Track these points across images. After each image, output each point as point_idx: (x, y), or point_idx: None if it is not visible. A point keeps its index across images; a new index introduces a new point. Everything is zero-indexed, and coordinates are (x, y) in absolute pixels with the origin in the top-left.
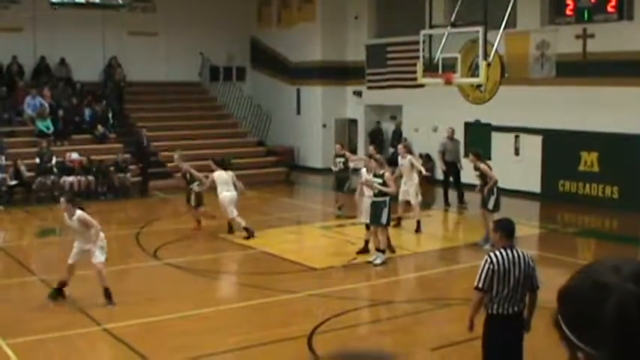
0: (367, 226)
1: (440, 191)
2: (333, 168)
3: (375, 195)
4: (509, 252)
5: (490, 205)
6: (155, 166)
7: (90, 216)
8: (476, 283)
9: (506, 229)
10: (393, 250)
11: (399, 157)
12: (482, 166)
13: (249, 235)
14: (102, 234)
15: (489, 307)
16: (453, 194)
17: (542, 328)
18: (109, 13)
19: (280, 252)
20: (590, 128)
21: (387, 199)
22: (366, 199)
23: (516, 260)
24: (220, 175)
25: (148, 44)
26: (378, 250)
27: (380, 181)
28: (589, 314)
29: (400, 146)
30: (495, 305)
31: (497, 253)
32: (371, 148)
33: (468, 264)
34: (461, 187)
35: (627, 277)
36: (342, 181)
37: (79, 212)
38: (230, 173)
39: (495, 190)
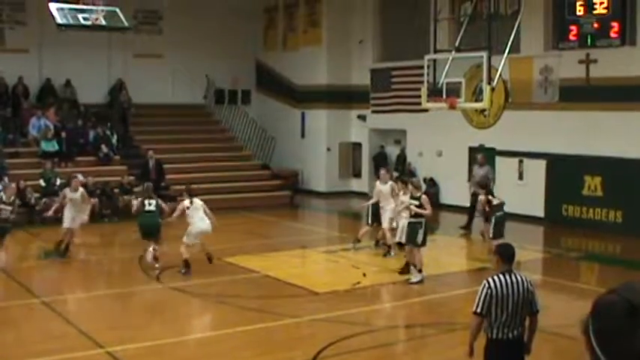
0: (400, 245)
1: (446, 216)
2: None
3: (411, 216)
4: (507, 277)
5: (490, 233)
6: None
7: (183, 208)
8: (474, 308)
9: (505, 254)
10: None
11: (378, 182)
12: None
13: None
14: (191, 227)
15: (489, 332)
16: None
17: (546, 353)
18: (114, 36)
19: (283, 276)
20: (593, 153)
21: (423, 220)
22: (403, 220)
23: (515, 285)
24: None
25: (153, 66)
26: (419, 270)
27: (417, 203)
28: (618, 336)
29: (383, 171)
30: (495, 330)
31: (496, 278)
32: (384, 174)
33: (473, 289)
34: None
35: None
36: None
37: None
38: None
39: (493, 218)
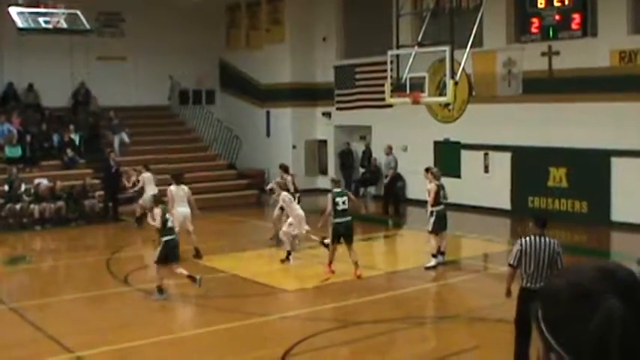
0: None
1: (413, 210)
2: None
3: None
4: (537, 238)
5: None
6: (123, 191)
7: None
8: (508, 260)
9: (536, 219)
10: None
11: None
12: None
13: None
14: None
15: (521, 281)
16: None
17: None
18: (76, 39)
19: (251, 275)
20: (557, 144)
21: (436, 209)
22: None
23: (542, 245)
24: None
25: (116, 69)
26: (432, 255)
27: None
28: (570, 322)
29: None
30: (524, 280)
31: (528, 238)
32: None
33: (440, 282)
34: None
35: (613, 288)
36: None
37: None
38: None
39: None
